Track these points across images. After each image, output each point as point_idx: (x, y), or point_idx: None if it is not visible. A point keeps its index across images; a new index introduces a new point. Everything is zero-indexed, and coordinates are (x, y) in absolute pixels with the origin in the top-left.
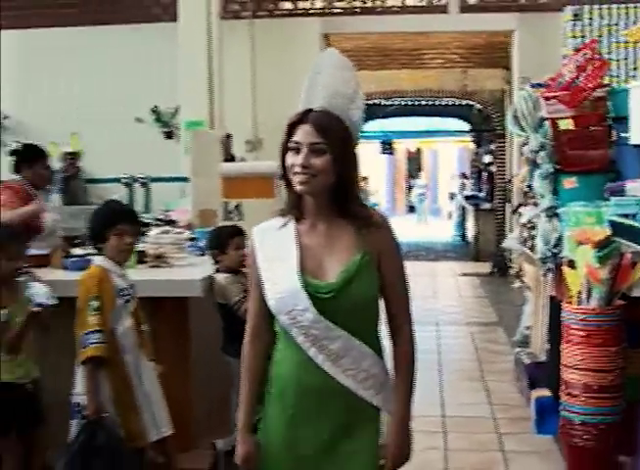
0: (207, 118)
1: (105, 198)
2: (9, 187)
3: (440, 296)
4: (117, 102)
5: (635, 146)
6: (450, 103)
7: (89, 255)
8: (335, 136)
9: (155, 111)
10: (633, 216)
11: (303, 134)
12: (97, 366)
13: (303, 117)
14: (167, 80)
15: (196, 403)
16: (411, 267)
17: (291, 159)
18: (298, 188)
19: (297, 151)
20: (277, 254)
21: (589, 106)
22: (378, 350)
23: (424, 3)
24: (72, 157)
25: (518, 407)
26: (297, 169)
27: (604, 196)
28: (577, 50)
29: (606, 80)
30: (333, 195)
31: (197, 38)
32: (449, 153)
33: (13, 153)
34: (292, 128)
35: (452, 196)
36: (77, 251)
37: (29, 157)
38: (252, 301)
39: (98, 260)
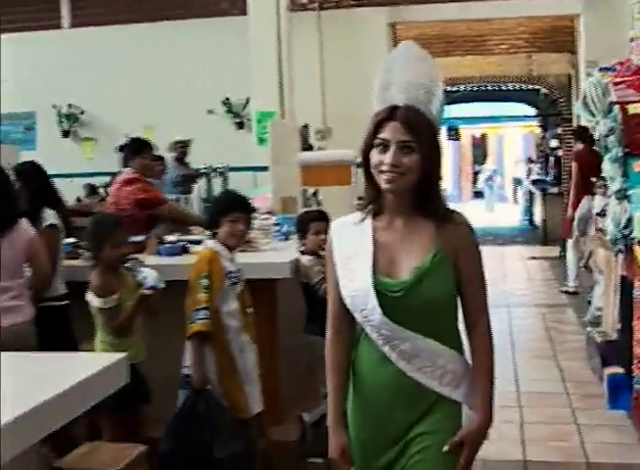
0: (278, 109)
1: None
2: (134, 179)
3: (510, 279)
4: (189, 95)
5: None
6: (516, 88)
7: (181, 241)
8: (423, 134)
9: (226, 102)
10: None
11: (392, 132)
12: (202, 341)
13: (391, 114)
14: (237, 73)
15: (283, 379)
16: (491, 252)
17: (377, 156)
18: (385, 186)
19: (385, 148)
20: (353, 250)
21: None
22: (456, 345)
23: None
24: (183, 145)
25: (590, 384)
26: (385, 168)
27: None
28: None
29: None
30: (415, 192)
31: (266, 31)
32: (514, 138)
33: (121, 148)
34: (378, 125)
35: (517, 181)
36: (169, 238)
37: (137, 149)
38: (331, 298)
39: (210, 244)
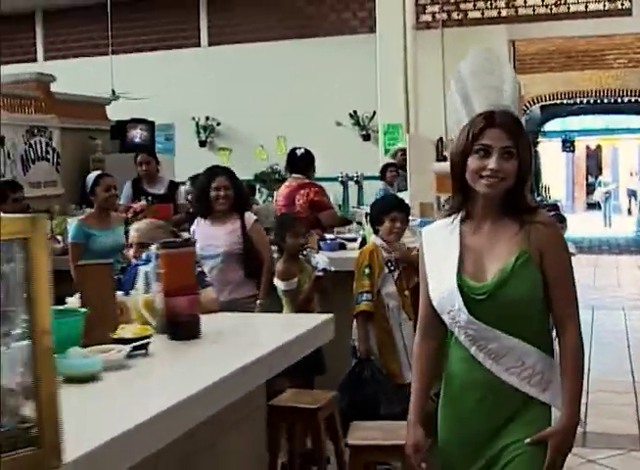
0: (404, 122)
1: None
2: (310, 184)
3: (624, 285)
4: (318, 107)
5: None
6: (631, 100)
7: (338, 239)
8: (522, 139)
9: (353, 115)
10: None
11: (494, 138)
12: (366, 319)
13: (491, 120)
14: (364, 87)
15: None
16: (595, 261)
17: (477, 162)
18: (485, 191)
19: (486, 154)
20: (442, 254)
21: None
22: (545, 347)
23: (607, 7)
24: (404, 152)
25: None
26: (487, 173)
27: None
28: None
29: None
30: (505, 195)
31: (393, 48)
32: (630, 150)
33: (299, 157)
34: (477, 131)
35: (632, 193)
36: (329, 235)
37: (310, 160)
38: (422, 301)
39: (373, 238)
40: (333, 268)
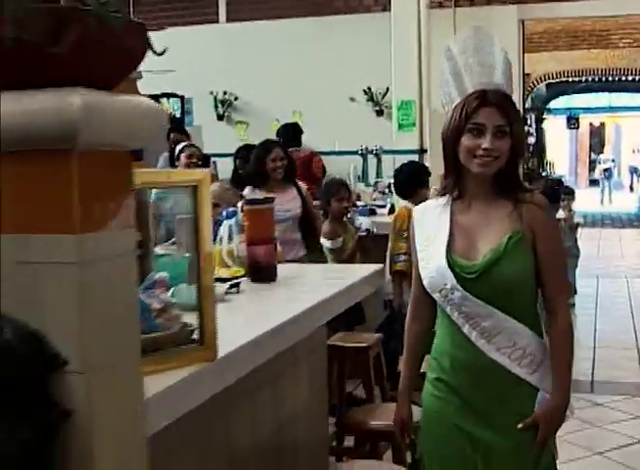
0: (417, 98)
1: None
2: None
3: (627, 256)
4: (333, 83)
5: None
6: (637, 79)
7: (367, 205)
8: (515, 118)
9: (367, 91)
10: None
11: (487, 116)
12: (402, 277)
13: (484, 99)
14: (378, 64)
15: None
16: (598, 233)
17: (471, 140)
18: (478, 170)
19: (479, 133)
20: (433, 233)
21: None
22: (535, 328)
23: None
24: None
25: None
26: (481, 152)
27: None
28: None
29: None
30: (497, 174)
31: (407, 26)
32: (633, 127)
33: (299, 131)
34: (471, 110)
35: (634, 169)
36: (360, 202)
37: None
38: (414, 278)
39: (405, 203)
40: (375, 229)
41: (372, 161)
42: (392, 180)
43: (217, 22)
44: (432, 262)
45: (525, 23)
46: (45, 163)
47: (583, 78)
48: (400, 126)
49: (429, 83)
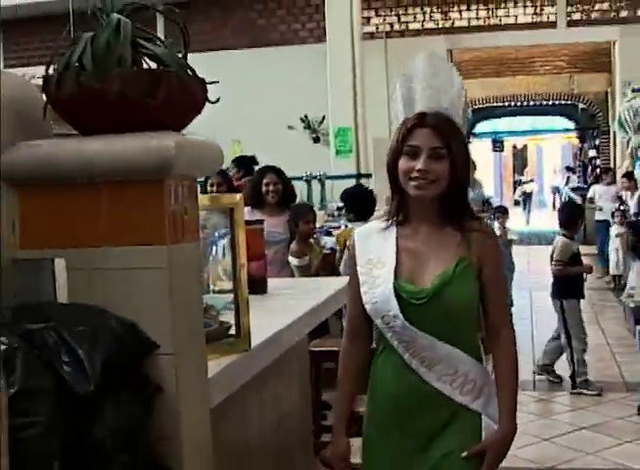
0: (353, 125)
1: None
2: None
3: None
4: (271, 112)
5: None
6: (557, 103)
7: (322, 227)
8: (454, 140)
9: (304, 119)
10: None
11: (422, 138)
12: None
13: (421, 121)
14: (313, 93)
15: None
16: (527, 250)
17: (407, 163)
18: (414, 193)
19: (415, 155)
20: (376, 257)
21: None
22: (476, 354)
23: (535, 20)
24: None
25: (626, 338)
26: (416, 174)
27: None
28: None
29: None
30: (441, 199)
31: (342, 56)
32: (554, 149)
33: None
34: (407, 132)
35: (556, 189)
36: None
37: None
38: (351, 302)
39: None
40: (338, 247)
41: (315, 185)
42: (343, 203)
43: None
44: (377, 288)
45: (452, 53)
46: (143, 190)
47: (507, 103)
48: (338, 152)
49: (364, 110)
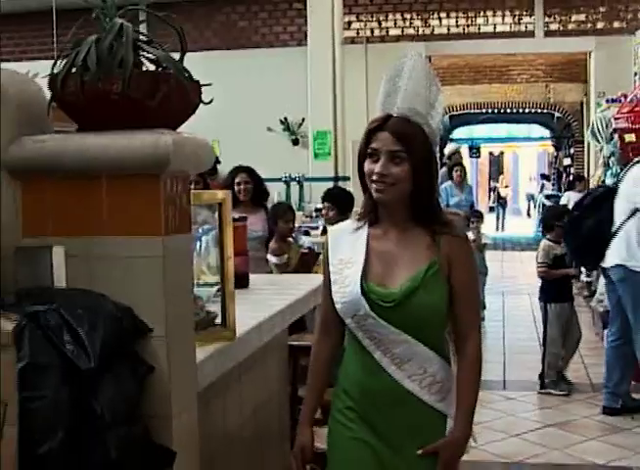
0: (332, 128)
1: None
2: None
3: (528, 275)
4: (252, 114)
5: None
6: (533, 111)
7: (300, 227)
8: (414, 144)
9: (283, 122)
10: None
11: (382, 142)
12: None
13: (383, 124)
14: (293, 95)
15: None
16: (501, 256)
17: (368, 165)
18: (375, 196)
19: (376, 158)
20: (347, 257)
21: None
22: (445, 356)
23: (513, 29)
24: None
25: (594, 342)
26: (375, 178)
27: None
28: None
29: None
30: (409, 202)
31: (322, 60)
32: (530, 156)
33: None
34: (370, 135)
35: (531, 196)
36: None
37: None
38: (323, 299)
39: None
40: (317, 247)
41: (294, 187)
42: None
43: None
44: (347, 288)
45: (431, 59)
46: (142, 184)
47: (484, 110)
48: (316, 155)
49: (343, 114)
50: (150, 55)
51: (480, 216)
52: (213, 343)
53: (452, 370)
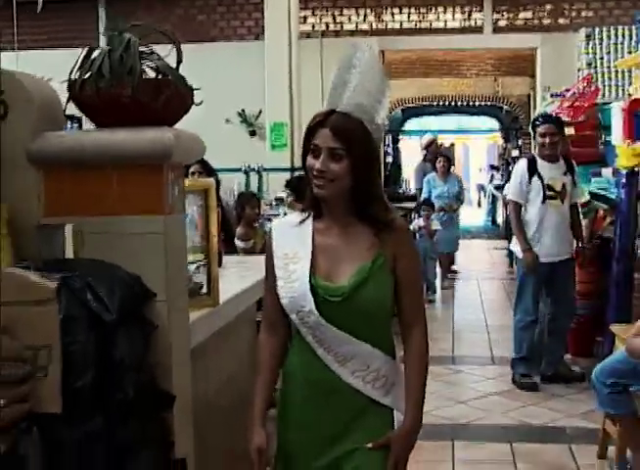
0: (289, 120)
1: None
2: None
3: (479, 262)
4: (209, 106)
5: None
6: (483, 104)
7: (263, 215)
8: (354, 141)
9: (241, 113)
10: (604, 190)
11: (322, 138)
12: None
13: (324, 120)
14: (251, 88)
15: None
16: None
17: (310, 161)
18: (315, 191)
19: (317, 153)
20: (292, 251)
21: (585, 118)
22: (390, 350)
23: (462, 25)
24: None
25: None
26: (315, 173)
27: (589, 178)
28: (589, 64)
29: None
30: (351, 197)
31: (279, 54)
32: (479, 148)
33: None
34: (312, 130)
35: (481, 187)
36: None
37: None
38: (267, 294)
39: None
40: None
41: (252, 177)
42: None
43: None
44: (293, 283)
45: (384, 53)
46: (147, 173)
47: (435, 103)
48: (273, 146)
49: (299, 106)
50: (152, 64)
51: (430, 205)
52: (200, 309)
53: (397, 364)
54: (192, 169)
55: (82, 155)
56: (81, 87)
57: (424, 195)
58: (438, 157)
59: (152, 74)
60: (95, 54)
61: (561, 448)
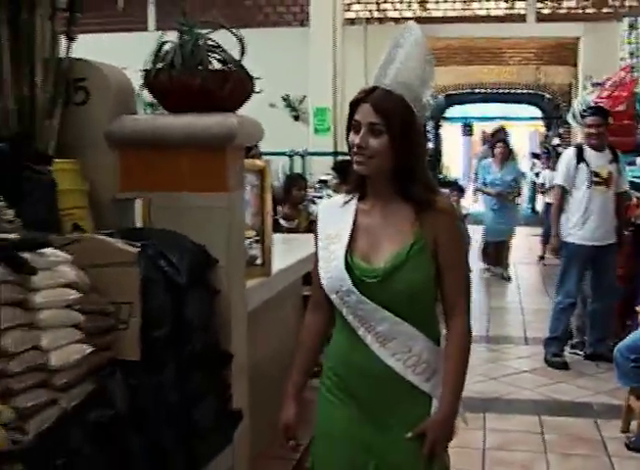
0: (331, 105)
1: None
2: None
3: (518, 248)
4: (256, 91)
5: None
6: (525, 92)
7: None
8: (394, 117)
9: (285, 98)
10: (639, 178)
11: (362, 113)
12: None
13: (366, 96)
14: (295, 73)
15: None
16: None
17: (351, 137)
18: (355, 168)
19: (357, 129)
20: (334, 232)
21: (625, 108)
22: (432, 335)
23: (506, 13)
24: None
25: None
26: (355, 149)
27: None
28: (631, 54)
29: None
30: (393, 176)
31: (323, 40)
32: (521, 135)
33: None
34: (354, 106)
35: (522, 174)
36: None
37: None
38: (314, 274)
39: None
40: None
41: (296, 160)
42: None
43: (146, 29)
44: (331, 262)
45: (427, 41)
46: (213, 154)
47: (477, 90)
48: (316, 131)
49: (343, 92)
50: (219, 57)
51: (460, 190)
52: (255, 278)
53: (440, 351)
54: None
55: (154, 136)
56: (156, 76)
57: (479, 181)
58: (497, 142)
59: (218, 66)
60: (167, 47)
61: (587, 422)
